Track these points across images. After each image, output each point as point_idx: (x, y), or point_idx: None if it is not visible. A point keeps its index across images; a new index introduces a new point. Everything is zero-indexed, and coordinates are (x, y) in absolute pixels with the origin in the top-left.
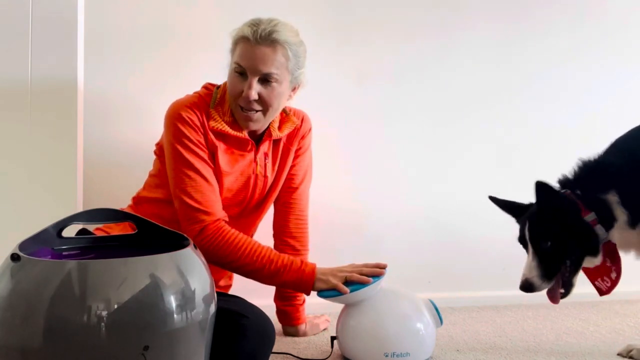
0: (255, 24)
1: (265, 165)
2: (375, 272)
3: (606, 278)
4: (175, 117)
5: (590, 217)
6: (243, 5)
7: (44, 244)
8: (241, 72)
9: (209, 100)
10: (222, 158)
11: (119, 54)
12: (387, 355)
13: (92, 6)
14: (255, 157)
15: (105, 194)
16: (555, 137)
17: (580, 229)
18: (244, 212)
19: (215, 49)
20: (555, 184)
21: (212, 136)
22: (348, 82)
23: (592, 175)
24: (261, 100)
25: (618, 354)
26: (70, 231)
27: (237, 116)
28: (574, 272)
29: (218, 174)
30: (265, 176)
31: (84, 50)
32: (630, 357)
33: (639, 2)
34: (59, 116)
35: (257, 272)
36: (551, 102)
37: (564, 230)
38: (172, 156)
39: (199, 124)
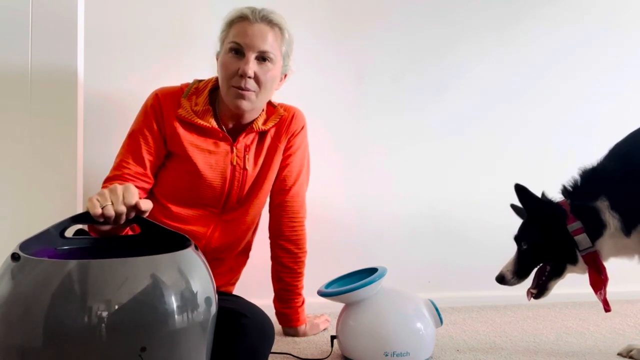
0: (250, 7)
1: (244, 157)
2: None
3: (602, 291)
4: (143, 105)
5: (575, 225)
6: (243, 3)
7: (47, 244)
8: (237, 50)
9: (185, 90)
10: (189, 142)
11: (120, 48)
12: (387, 355)
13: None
14: (232, 148)
15: None
16: (556, 137)
17: (559, 237)
18: (226, 207)
19: (215, 45)
20: (557, 192)
21: (177, 124)
22: (347, 80)
23: (585, 183)
24: (256, 79)
25: (618, 354)
26: (69, 232)
27: (229, 98)
28: (552, 278)
29: (185, 157)
30: (245, 169)
31: (84, 42)
32: (630, 357)
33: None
34: (59, 110)
35: None
36: (553, 101)
37: (540, 235)
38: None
39: (160, 116)
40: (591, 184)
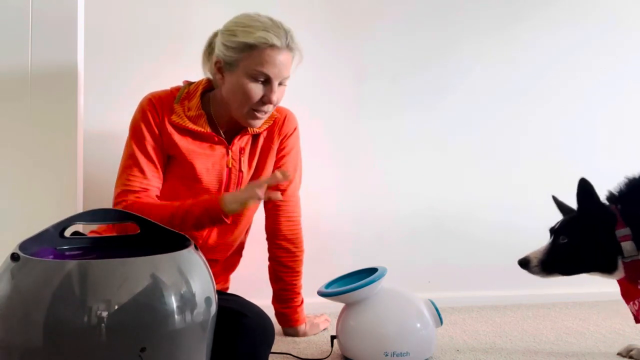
0: (274, 29)
1: (240, 159)
2: (277, 179)
3: (637, 301)
4: (138, 109)
5: (624, 231)
6: (244, 4)
7: (46, 244)
8: (265, 80)
9: (176, 95)
10: (186, 148)
11: (120, 47)
12: (387, 355)
13: None
14: (227, 151)
15: (105, 194)
16: (557, 136)
17: (604, 241)
18: None
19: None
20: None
21: (172, 130)
22: (347, 80)
23: (634, 191)
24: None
25: (618, 354)
26: (67, 232)
27: (246, 119)
28: (567, 270)
29: (185, 163)
30: (240, 171)
31: (84, 42)
32: (630, 357)
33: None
34: (59, 110)
35: (173, 220)
36: (554, 100)
37: (585, 235)
38: (125, 143)
39: (157, 119)
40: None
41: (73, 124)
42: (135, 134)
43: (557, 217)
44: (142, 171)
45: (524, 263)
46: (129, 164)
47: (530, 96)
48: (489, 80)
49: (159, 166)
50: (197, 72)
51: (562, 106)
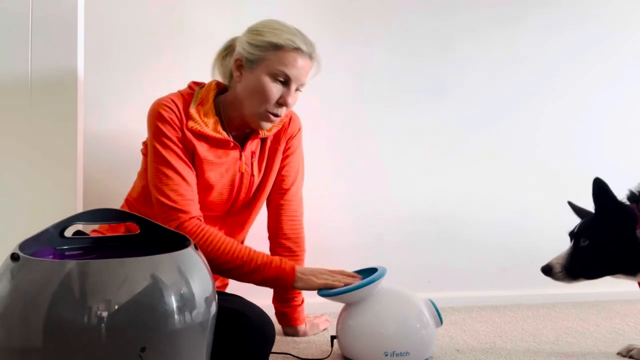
0: (300, 35)
1: (252, 164)
2: (349, 281)
3: None
4: (155, 116)
5: None
6: (243, 3)
7: (46, 244)
8: (284, 81)
9: (190, 100)
10: (204, 157)
11: (120, 50)
12: (387, 355)
13: (92, 1)
14: (240, 155)
15: (105, 194)
16: (557, 138)
17: (625, 241)
18: (231, 211)
19: (215, 47)
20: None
21: (190, 136)
22: (347, 80)
23: None
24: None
25: (618, 354)
26: (68, 232)
27: (258, 121)
28: (592, 273)
29: (200, 172)
30: (252, 175)
31: (84, 45)
32: (630, 357)
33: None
34: (59, 112)
35: (237, 269)
36: (556, 101)
37: (606, 236)
38: (151, 154)
39: (177, 123)
40: None
41: (73, 124)
42: (161, 142)
43: (557, 217)
44: (185, 181)
45: (547, 270)
46: (167, 173)
47: (533, 96)
48: (491, 81)
49: (193, 171)
50: (195, 73)
51: (564, 107)
